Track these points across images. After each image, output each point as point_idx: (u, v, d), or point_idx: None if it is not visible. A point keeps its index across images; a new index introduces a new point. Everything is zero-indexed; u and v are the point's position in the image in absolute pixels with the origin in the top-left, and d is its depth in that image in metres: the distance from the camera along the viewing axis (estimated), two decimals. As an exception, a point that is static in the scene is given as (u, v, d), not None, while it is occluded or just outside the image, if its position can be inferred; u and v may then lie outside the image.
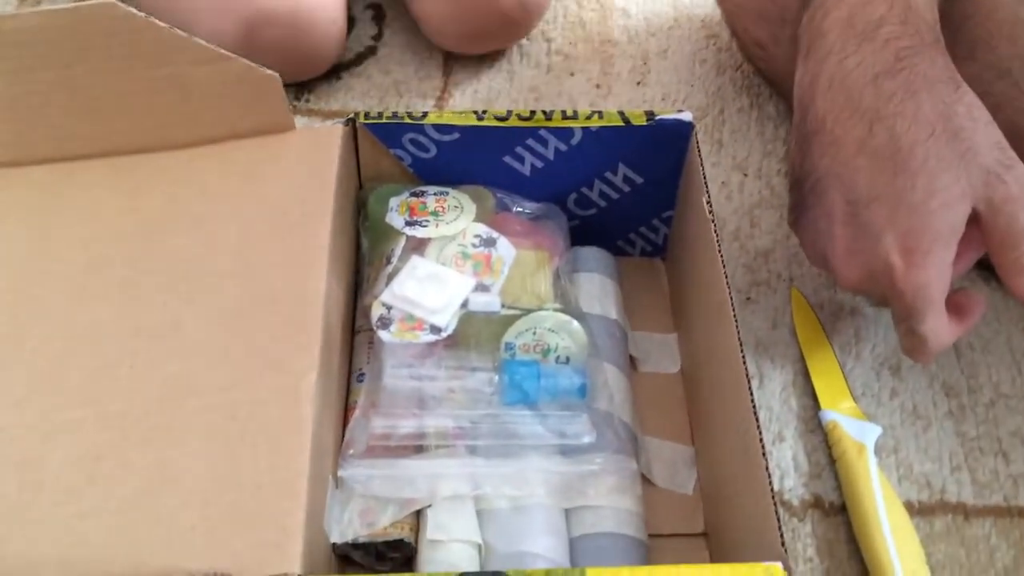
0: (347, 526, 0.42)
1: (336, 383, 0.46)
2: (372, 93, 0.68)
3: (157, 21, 0.45)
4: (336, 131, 0.49)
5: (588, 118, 0.50)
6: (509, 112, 0.50)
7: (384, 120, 0.50)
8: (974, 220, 0.43)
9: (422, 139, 0.50)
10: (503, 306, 0.46)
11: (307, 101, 0.67)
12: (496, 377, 0.45)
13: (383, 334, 0.45)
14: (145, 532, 0.37)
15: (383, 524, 0.43)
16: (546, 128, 0.50)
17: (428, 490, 0.43)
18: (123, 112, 0.48)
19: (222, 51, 0.46)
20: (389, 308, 0.46)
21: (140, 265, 0.45)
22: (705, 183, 0.48)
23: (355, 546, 0.43)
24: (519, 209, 0.51)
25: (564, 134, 0.50)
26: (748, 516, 0.40)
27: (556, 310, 0.46)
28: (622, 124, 0.50)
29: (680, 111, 0.50)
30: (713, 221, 0.46)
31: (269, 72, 0.47)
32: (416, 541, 0.43)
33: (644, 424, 0.50)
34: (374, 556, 0.44)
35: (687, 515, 0.47)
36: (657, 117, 0.50)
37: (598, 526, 0.44)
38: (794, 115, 0.48)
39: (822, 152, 0.45)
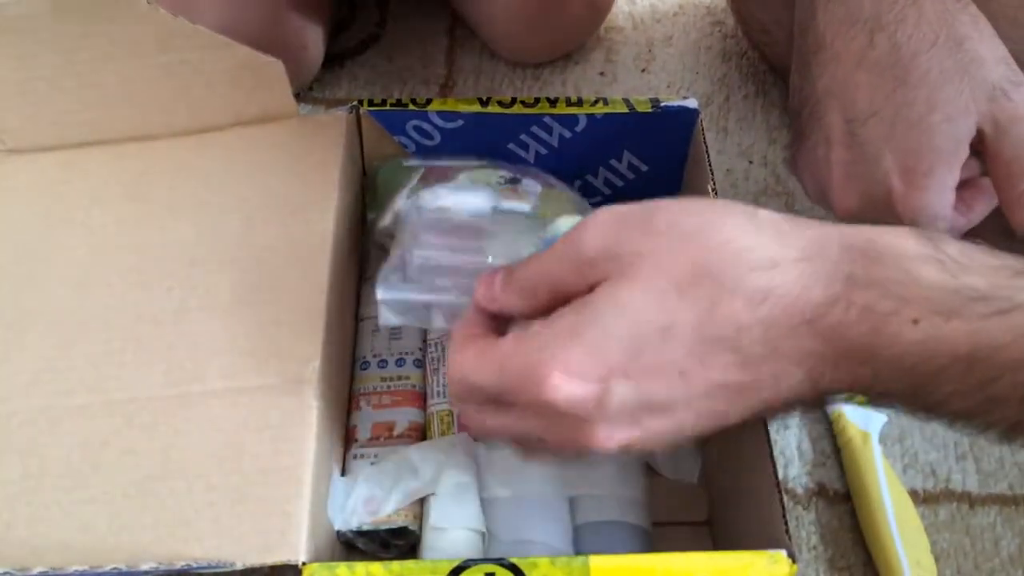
0: (351, 514, 0.43)
1: (340, 371, 0.46)
2: (376, 80, 0.68)
3: (160, 8, 0.45)
4: (340, 118, 0.49)
5: (593, 105, 0.50)
6: (513, 99, 0.50)
7: (388, 107, 0.50)
8: (978, 155, 0.41)
9: (426, 126, 0.50)
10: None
11: (311, 89, 0.67)
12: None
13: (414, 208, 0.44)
14: (149, 519, 0.37)
15: (387, 512, 0.43)
16: (550, 115, 0.50)
17: (432, 478, 0.43)
18: (127, 99, 0.48)
19: (225, 38, 0.46)
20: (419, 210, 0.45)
21: (145, 252, 0.45)
22: (710, 171, 0.47)
23: (359, 534, 0.43)
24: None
25: (568, 121, 0.50)
26: (752, 504, 0.40)
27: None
28: (627, 111, 0.50)
29: (685, 98, 0.50)
30: (718, 209, 0.46)
31: (272, 59, 0.47)
32: (419, 529, 0.43)
33: (648, 412, 0.49)
34: (378, 543, 0.44)
35: (691, 503, 0.47)
36: (662, 104, 0.50)
37: (601, 514, 0.44)
38: (795, 40, 0.46)
39: (821, 71, 0.43)
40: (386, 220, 0.47)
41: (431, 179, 0.47)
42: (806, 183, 0.46)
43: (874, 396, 0.32)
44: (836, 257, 0.31)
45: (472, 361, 0.34)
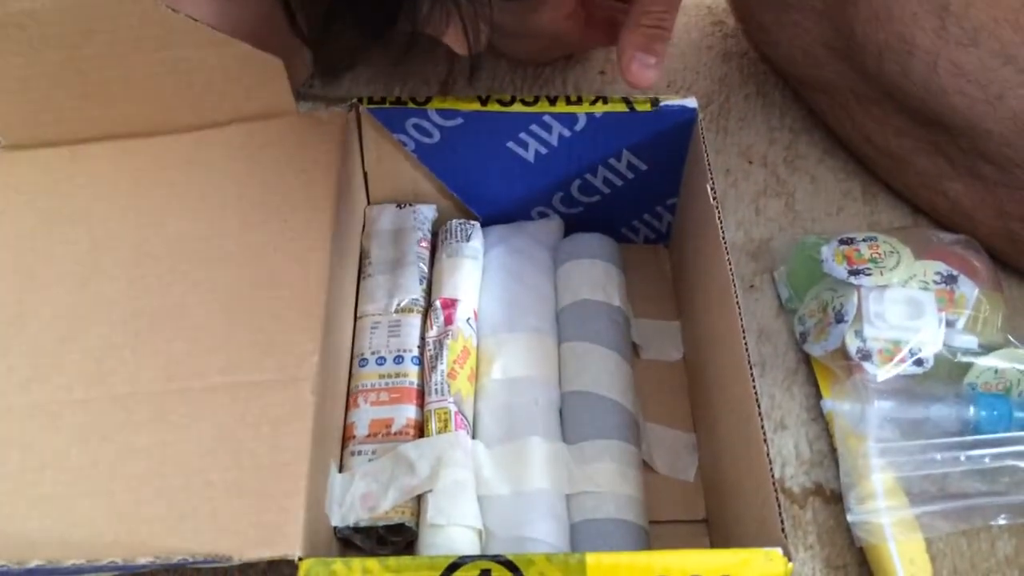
0: (348, 510, 0.43)
1: (338, 367, 0.46)
2: (376, 78, 0.68)
3: (162, 5, 0.45)
4: (339, 116, 0.49)
5: (592, 104, 0.50)
6: (513, 97, 0.50)
7: (387, 105, 0.50)
8: None
9: (425, 124, 0.50)
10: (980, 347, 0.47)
11: (311, 86, 0.67)
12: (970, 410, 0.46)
13: (868, 366, 0.46)
14: (147, 513, 0.37)
15: (384, 508, 0.43)
16: (550, 114, 0.50)
17: (429, 475, 0.43)
18: (128, 95, 0.48)
19: (225, 35, 0.46)
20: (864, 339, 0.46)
21: (144, 248, 0.45)
22: (709, 170, 0.48)
23: (356, 530, 0.43)
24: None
25: (568, 120, 0.50)
26: (749, 503, 0.40)
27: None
28: (626, 110, 0.50)
29: (685, 98, 0.50)
30: (717, 208, 0.46)
31: (272, 57, 0.47)
32: (417, 525, 0.43)
33: (646, 411, 0.50)
34: (375, 540, 0.44)
35: (688, 502, 0.47)
36: (662, 103, 0.50)
37: (599, 512, 0.44)
38: None
39: None
40: (829, 341, 0.48)
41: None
42: None
43: None
44: None
45: None
